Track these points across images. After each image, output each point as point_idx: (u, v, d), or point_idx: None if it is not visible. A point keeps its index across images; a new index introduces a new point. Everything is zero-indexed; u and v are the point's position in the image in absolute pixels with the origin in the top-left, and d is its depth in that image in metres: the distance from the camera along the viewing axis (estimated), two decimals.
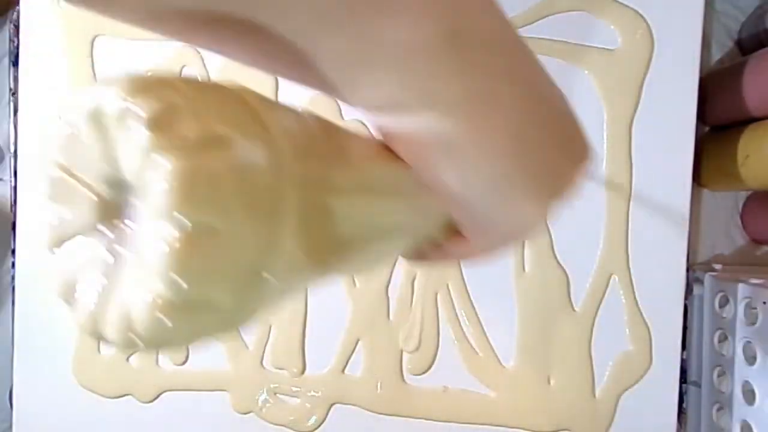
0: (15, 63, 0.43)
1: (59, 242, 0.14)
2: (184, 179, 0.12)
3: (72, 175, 0.14)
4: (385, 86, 0.14)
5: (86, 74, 0.43)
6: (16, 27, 0.42)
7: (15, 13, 0.43)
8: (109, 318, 0.13)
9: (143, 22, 0.14)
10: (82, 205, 0.14)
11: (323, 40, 0.13)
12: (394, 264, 0.42)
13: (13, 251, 0.43)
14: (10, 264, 0.44)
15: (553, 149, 0.17)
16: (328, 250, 0.15)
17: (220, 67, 0.42)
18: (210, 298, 0.13)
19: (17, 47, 0.43)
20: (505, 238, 0.19)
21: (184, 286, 0.12)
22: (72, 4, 0.13)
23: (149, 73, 0.13)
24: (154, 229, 0.12)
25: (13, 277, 0.44)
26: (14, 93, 0.43)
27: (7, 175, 0.44)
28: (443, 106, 0.14)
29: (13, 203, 0.43)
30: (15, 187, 0.43)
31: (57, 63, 0.42)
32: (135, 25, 0.15)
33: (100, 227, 0.13)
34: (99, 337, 0.13)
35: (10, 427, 0.44)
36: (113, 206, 0.13)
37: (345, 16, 0.13)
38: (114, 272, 0.13)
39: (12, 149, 0.43)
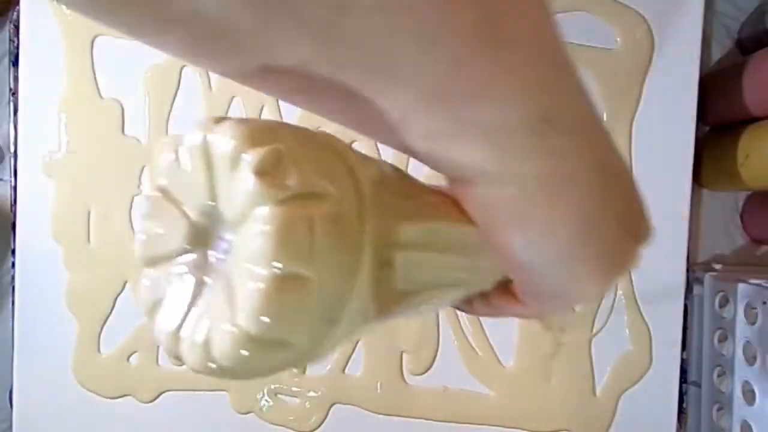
0: (15, 63, 0.43)
1: (151, 261, 0.15)
2: (284, 227, 0.12)
3: (171, 199, 0.15)
4: (470, 158, 0.15)
5: (86, 74, 0.43)
6: (16, 27, 0.42)
7: (15, 13, 0.43)
8: (188, 340, 0.14)
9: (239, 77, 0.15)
10: (176, 228, 0.14)
11: (419, 117, 0.14)
12: None
13: (13, 251, 0.43)
14: (10, 264, 0.44)
15: (619, 229, 0.18)
16: (393, 300, 0.16)
17: None
18: (289, 338, 0.13)
19: (17, 47, 0.43)
20: (556, 308, 0.20)
21: (268, 325, 0.13)
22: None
23: (256, 119, 0.14)
24: (248, 269, 0.13)
25: (13, 277, 0.44)
26: (14, 93, 0.43)
27: (7, 175, 0.44)
28: (524, 183, 0.15)
29: (13, 203, 0.43)
30: (15, 187, 0.43)
31: (57, 63, 0.42)
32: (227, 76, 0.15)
33: (190, 253, 0.14)
34: (175, 356, 0.14)
35: (10, 427, 0.44)
36: (204, 235, 0.14)
37: (442, 99, 0.13)
38: (199, 298, 0.14)
39: (12, 149, 0.43)
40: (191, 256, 0.14)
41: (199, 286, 0.14)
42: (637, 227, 0.19)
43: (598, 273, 0.18)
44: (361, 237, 0.14)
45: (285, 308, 0.13)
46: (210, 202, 0.14)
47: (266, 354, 0.13)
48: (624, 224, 0.18)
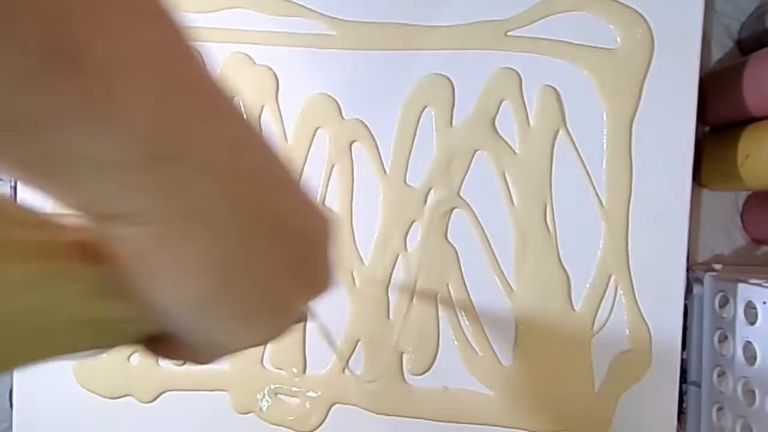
0: None
1: None
2: None
3: None
4: (83, 195, 0.14)
5: None
6: None
7: None
8: None
9: None
10: None
11: (15, 150, 0.13)
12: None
13: None
14: None
15: (276, 282, 0.17)
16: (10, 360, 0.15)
17: None
18: None
19: None
20: (215, 355, 0.18)
21: None
22: None
23: None
24: None
25: None
26: None
27: None
28: (139, 221, 0.14)
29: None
30: (15, 187, 0.43)
31: None
32: None
33: None
34: None
35: (10, 426, 0.44)
36: None
37: (34, 130, 0.12)
38: None
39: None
40: None
41: None
42: (310, 283, 0.18)
43: (247, 324, 0.17)
44: None
45: None
46: None
47: None
48: (285, 272, 0.17)
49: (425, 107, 0.42)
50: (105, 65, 0.12)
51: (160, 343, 0.18)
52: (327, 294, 0.19)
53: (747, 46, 0.42)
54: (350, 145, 0.42)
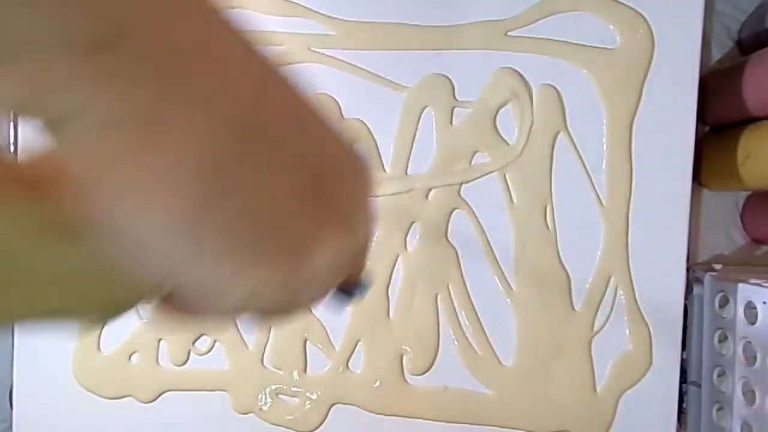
0: None
1: None
2: None
3: None
4: (24, 86, 0.11)
5: None
6: None
7: None
8: None
9: None
10: None
11: None
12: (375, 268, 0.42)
13: None
14: None
15: (279, 198, 0.14)
16: None
17: None
18: None
19: None
20: (218, 309, 0.15)
21: None
22: None
23: None
24: None
25: None
26: None
27: None
28: (92, 120, 0.11)
29: None
30: None
31: None
32: None
33: None
34: None
35: (10, 427, 0.44)
36: None
37: None
38: None
39: (12, 149, 0.43)
40: None
41: None
42: (336, 220, 0.15)
43: (255, 264, 0.14)
44: None
45: None
46: None
47: None
48: (300, 205, 0.14)
49: (425, 107, 0.42)
50: None
51: (164, 303, 0.15)
52: (367, 249, 0.16)
53: (747, 46, 0.42)
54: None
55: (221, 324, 0.16)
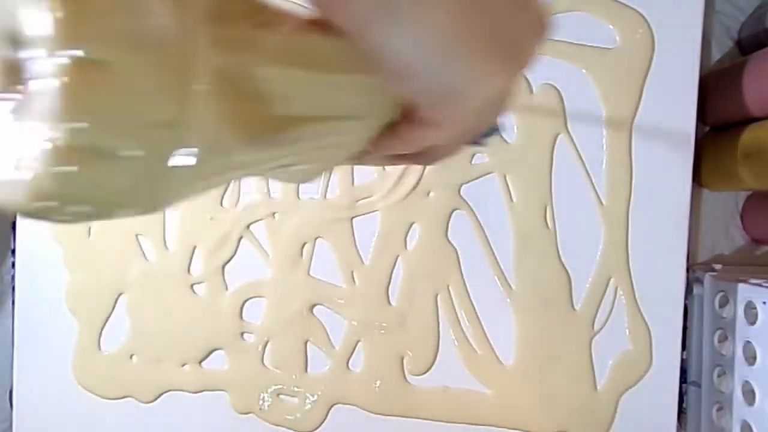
0: None
1: None
2: (72, 8, 0.11)
3: None
4: None
5: None
6: None
7: None
8: (18, 184, 0.12)
9: None
10: None
11: None
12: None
13: (13, 251, 0.43)
14: (10, 264, 0.44)
15: (504, 9, 0.16)
16: (259, 126, 0.14)
17: None
18: (111, 143, 0.12)
19: None
20: (466, 112, 0.18)
21: (82, 125, 0.11)
22: None
23: None
24: (44, 68, 0.11)
25: (13, 277, 0.44)
26: None
27: None
28: None
29: None
30: None
31: None
32: None
33: (5, 93, 0.12)
34: (20, 211, 0.12)
35: (10, 426, 0.44)
36: (17, 68, 0.12)
37: None
38: (19, 136, 0.12)
39: None
40: (9, 95, 0.12)
41: (19, 122, 0.12)
42: (531, 15, 0.18)
43: (490, 54, 0.16)
44: (183, 33, 0.12)
45: (92, 101, 0.11)
46: (10, 26, 0.12)
47: (96, 167, 0.12)
48: (518, 13, 0.17)
49: None
50: None
51: (390, 134, 0.19)
52: (549, 31, 0.18)
53: (747, 46, 0.42)
54: None
55: (432, 155, 0.20)
